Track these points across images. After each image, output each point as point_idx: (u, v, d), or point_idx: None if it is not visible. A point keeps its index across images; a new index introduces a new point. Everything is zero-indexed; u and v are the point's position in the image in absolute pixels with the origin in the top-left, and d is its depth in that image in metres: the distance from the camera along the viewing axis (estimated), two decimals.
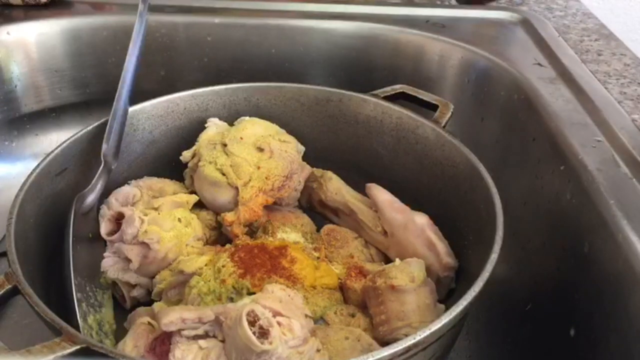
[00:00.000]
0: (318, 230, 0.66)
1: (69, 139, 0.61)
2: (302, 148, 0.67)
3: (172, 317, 0.46)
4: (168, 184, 0.67)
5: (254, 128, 0.65)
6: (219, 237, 0.65)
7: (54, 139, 0.87)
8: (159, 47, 0.87)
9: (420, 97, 0.68)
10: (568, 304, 0.55)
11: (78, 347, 0.40)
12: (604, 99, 0.67)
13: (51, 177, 0.58)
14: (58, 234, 0.55)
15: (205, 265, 0.56)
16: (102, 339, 0.55)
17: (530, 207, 0.65)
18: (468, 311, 0.45)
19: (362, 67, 0.88)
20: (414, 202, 0.62)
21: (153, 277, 0.59)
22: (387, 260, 0.62)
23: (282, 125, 0.68)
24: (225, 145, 0.63)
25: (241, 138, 0.63)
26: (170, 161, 0.68)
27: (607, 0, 1.23)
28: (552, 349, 0.56)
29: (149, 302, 0.59)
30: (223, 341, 0.46)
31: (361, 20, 0.88)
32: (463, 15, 0.91)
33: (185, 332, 0.46)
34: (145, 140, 0.68)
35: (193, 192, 0.65)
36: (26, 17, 0.86)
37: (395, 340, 0.42)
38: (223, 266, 0.55)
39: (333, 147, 0.72)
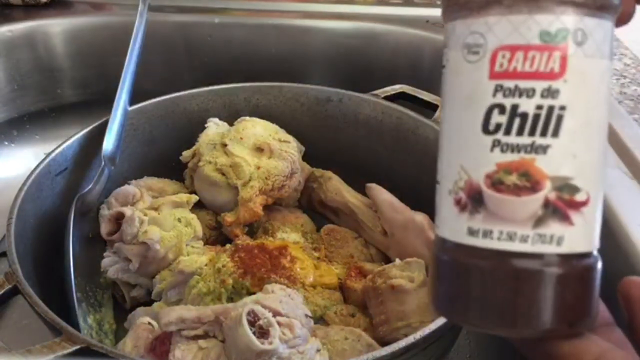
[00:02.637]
0: (318, 230, 0.66)
1: (69, 139, 0.61)
2: (302, 148, 0.67)
3: (172, 317, 0.46)
4: (168, 184, 0.67)
5: (254, 128, 0.65)
6: (219, 237, 0.65)
7: (54, 139, 0.87)
8: (159, 47, 0.87)
9: (420, 97, 0.68)
10: None
11: (78, 347, 0.40)
12: None
13: (51, 177, 0.58)
14: (58, 234, 0.55)
15: (205, 265, 0.56)
16: (102, 339, 0.55)
17: None
18: None
19: (362, 67, 0.88)
20: (414, 202, 0.62)
21: (153, 277, 0.59)
22: (387, 260, 0.62)
23: (282, 125, 0.67)
24: (225, 145, 0.63)
25: (241, 138, 0.63)
26: (170, 161, 0.68)
27: None
28: None
29: (149, 302, 0.58)
30: (223, 341, 0.46)
31: (361, 20, 0.88)
32: None
33: (185, 332, 0.46)
34: (145, 140, 0.68)
35: (193, 192, 0.65)
36: (26, 17, 0.86)
37: (395, 340, 0.42)
38: (223, 266, 0.55)
39: (333, 147, 0.71)
